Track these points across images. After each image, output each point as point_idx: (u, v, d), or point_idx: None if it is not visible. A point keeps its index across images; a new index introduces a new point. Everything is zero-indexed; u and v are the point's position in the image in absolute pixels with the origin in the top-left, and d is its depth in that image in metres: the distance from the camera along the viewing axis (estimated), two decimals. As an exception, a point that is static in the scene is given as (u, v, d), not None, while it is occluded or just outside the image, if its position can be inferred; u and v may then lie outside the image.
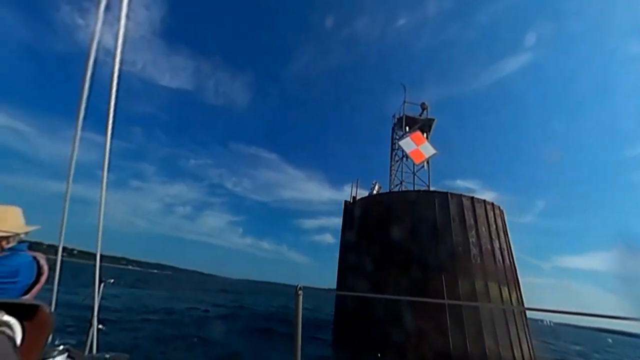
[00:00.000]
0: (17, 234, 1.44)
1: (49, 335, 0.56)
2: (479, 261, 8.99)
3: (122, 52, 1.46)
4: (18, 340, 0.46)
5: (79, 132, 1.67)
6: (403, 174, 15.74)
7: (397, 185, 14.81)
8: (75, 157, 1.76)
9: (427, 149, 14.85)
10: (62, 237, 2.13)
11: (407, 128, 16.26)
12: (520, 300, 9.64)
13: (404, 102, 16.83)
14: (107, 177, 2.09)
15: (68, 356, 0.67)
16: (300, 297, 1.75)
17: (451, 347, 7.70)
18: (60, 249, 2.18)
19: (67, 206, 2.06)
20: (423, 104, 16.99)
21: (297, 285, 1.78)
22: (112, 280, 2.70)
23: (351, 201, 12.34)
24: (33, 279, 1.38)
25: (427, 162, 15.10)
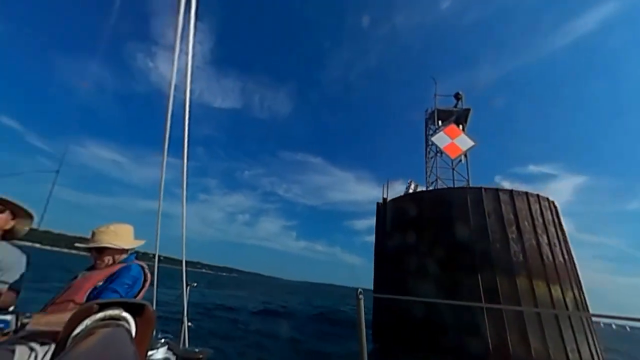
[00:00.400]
0: (131, 249, 1.72)
1: (153, 330, 0.64)
2: (520, 258, 8.35)
3: (191, 86, 1.65)
4: (133, 333, 0.52)
5: (165, 158, 2.01)
6: (439, 169, 15.12)
7: (432, 183, 14.34)
8: (163, 179, 2.09)
9: (463, 142, 14.06)
10: (158, 247, 2.47)
11: (440, 122, 15.60)
12: (581, 301, 8.60)
13: (435, 95, 16.22)
14: (186, 194, 2.34)
15: (168, 348, 0.74)
16: (362, 301, 1.82)
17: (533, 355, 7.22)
18: (157, 257, 2.59)
19: (159, 221, 2.38)
20: (457, 94, 16.12)
21: (358, 290, 1.86)
22: (195, 284, 3.00)
23: (382, 202, 12.42)
24: (142, 285, 1.62)
25: (465, 156, 14.28)
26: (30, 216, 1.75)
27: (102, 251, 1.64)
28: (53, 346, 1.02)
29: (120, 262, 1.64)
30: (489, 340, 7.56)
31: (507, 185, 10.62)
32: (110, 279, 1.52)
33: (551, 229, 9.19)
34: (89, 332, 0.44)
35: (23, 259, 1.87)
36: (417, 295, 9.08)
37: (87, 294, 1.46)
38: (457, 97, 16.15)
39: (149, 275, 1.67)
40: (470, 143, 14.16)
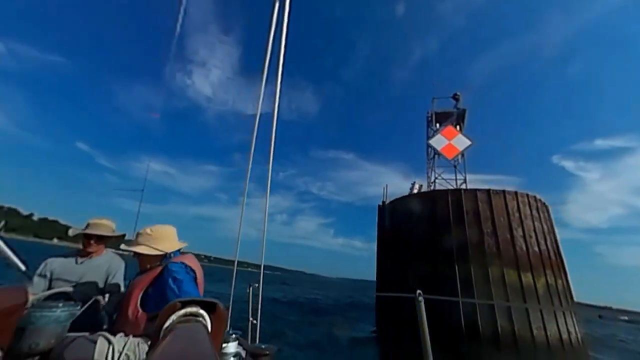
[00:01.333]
0: (174, 251, 1.76)
1: (226, 326, 0.68)
2: (494, 250, 9.52)
3: (279, 107, 1.75)
4: (209, 329, 0.56)
5: (250, 167, 2.04)
6: (446, 168, 16.04)
7: (432, 183, 15.46)
8: (247, 188, 2.25)
9: (460, 142, 14.95)
10: (237, 252, 2.59)
11: (438, 125, 16.53)
12: (558, 287, 9.45)
13: (433, 99, 17.14)
14: (245, 201, 2.44)
15: (238, 343, 0.76)
16: (422, 303, 1.75)
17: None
18: (235, 262, 2.71)
19: (241, 228, 2.52)
20: (455, 95, 16.89)
21: (417, 292, 1.79)
22: (257, 285, 3.08)
23: (382, 204, 13.96)
24: (194, 280, 1.61)
25: (463, 155, 15.13)
26: (124, 235, 2.25)
27: (139, 255, 1.66)
28: (127, 338, 1.25)
29: (161, 264, 1.64)
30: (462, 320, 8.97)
31: (568, 165, 11.31)
32: (156, 283, 1.54)
33: (528, 222, 10.10)
34: (174, 325, 0.52)
35: (122, 264, 2.25)
36: (408, 288, 10.64)
37: (138, 300, 1.51)
38: (455, 97, 16.90)
39: (196, 269, 1.64)
40: (467, 142, 14.99)
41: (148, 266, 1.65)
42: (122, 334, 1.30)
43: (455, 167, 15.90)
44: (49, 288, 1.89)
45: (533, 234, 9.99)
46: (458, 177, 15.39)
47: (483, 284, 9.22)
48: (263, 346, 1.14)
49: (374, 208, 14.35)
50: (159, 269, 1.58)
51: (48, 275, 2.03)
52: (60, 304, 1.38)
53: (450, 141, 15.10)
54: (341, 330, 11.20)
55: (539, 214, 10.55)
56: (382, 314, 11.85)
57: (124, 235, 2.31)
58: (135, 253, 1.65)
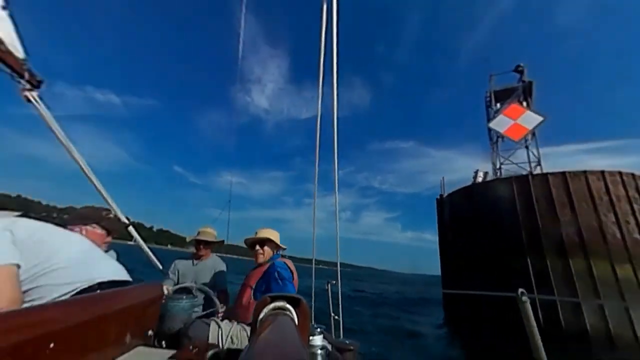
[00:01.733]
0: (281, 250, 2.11)
1: (310, 320, 0.72)
2: (576, 239, 8.29)
3: (338, 112, 1.85)
4: (296, 322, 0.59)
5: (317, 170, 2.22)
6: (513, 150, 14.37)
7: (497, 169, 14.03)
8: (316, 189, 2.43)
9: (528, 120, 13.20)
10: (314, 251, 2.84)
11: (498, 105, 14.86)
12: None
13: (491, 76, 15.43)
14: (315, 203, 2.63)
15: (324, 337, 0.72)
16: (527, 304, 1.57)
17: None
18: (313, 261, 2.99)
19: (315, 228, 2.74)
20: (518, 66, 14.88)
21: (519, 291, 1.58)
22: (334, 282, 3.10)
23: (440, 197, 13.37)
24: (292, 278, 1.86)
25: (534, 134, 13.31)
26: (223, 241, 2.64)
27: (263, 244, 2.01)
28: (232, 324, 1.56)
29: (269, 261, 1.95)
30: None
31: None
32: (265, 276, 1.84)
33: (623, 205, 8.46)
34: (267, 318, 0.58)
35: (224, 266, 2.61)
36: (472, 282, 10.19)
37: (252, 290, 1.85)
38: (519, 70, 14.84)
39: (293, 271, 1.91)
40: (538, 119, 13.14)
41: (264, 256, 1.98)
42: (227, 320, 1.61)
43: (527, 147, 14.12)
44: (177, 284, 2.27)
45: (632, 219, 8.38)
46: (532, 159, 13.63)
47: (563, 278, 8.24)
48: (347, 341, 1.13)
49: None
50: (267, 265, 1.88)
51: (176, 273, 2.55)
52: (184, 296, 1.73)
53: (516, 120, 13.42)
54: (412, 325, 11.07)
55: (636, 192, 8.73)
56: (451, 311, 11.53)
57: (223, 241, 2.72)
58: (258, 242, 2.00)
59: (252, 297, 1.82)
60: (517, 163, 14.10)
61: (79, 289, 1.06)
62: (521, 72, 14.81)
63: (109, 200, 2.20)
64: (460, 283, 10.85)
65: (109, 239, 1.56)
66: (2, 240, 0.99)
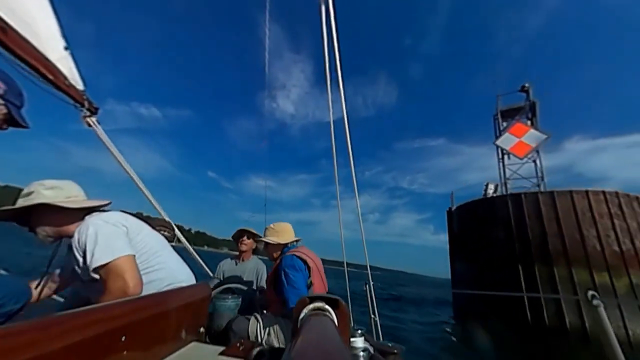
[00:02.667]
0: (293, 241, 2.09)
1: (350, 321, 0.66)
2: (561, 250, 9.86)
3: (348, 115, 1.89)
4: (336, 323, 0.57)
5: (336, 172, 2.21)
6: (522, 165, 15.56)
7: (503, 184, 15.34)
8: (338, 192, 2.40)
9: (532, 138, 14.47)
10: (344, 254, 2.91)
11: (505, 124, 16.11)
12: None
13: (498, 96, 16.68)
14: (340, 205, 2.56)
15: (365, 339, 0.74)
16: (601, 308, 1.43)
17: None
18: (345, 262, 3.08)
19: (342, 231, 2.76)
20: (523, 87, 16.04)
21: (589, 293, 1.45)
22: (372, 283, 3.22)
23: (449, 210, 15.07)
24: (307, 271, 1.84)
25: (537, 151, 14.50)
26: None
27: (266, 246, 2.09)
28: (271, 317, 1.70)
29: (282, 253, 1.97)
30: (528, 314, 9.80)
31: None
32: (276, 274, 1.87)
33: (604, 221, 9.79)
34: (307, 318, 0.57)
35: (264, 266, 2.73)
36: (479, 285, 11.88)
37: (271, 285, 1.92)
38: (524, 89, 15.94)
39: (307, 258, 1.88)
40: (542, 137, 14.32)
41: (275, 255, 2.04)
42: (267, 315, 1.77)
43: (534, 162, 15.25)
44: (222, 284, 2.35)
45: (612, 233, 9.70)
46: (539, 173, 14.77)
47: (549, 283, 9.81)
48: (390, 344, 1.02)
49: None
50: (278, 261, 1.91)
51: (221, 274, 2.69)
52: (230, 296, 1.91)
53: (521, 138, 14.70)
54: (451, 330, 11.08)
55: (621, 211, 9.99)
56: (461, 310, 13.02)
57: (264, 242, 2.82)
58: (266, 244, 2.07)
59: (273, 290, 1.91)
60: (526, 177, 15.25)
61: (165, 289, 1.19)
62: (527, 92, 15.94)
63: (157, 206, 2.40)
64: (468, 287, 12.51)
65: None
66: (120, 234, 1.17)
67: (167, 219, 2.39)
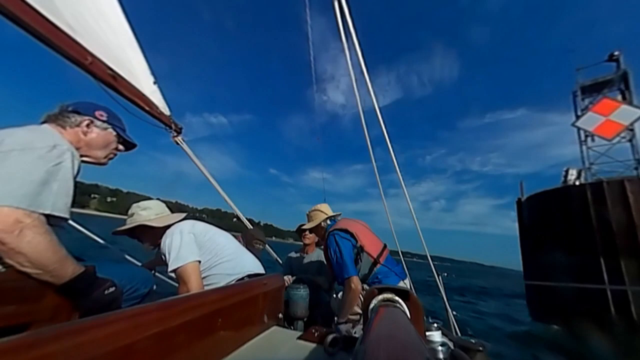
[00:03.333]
0: (331, 217, 2.26)
1: (424, 314, 0.65)
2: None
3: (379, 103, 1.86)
4: (408, 315, 0.57)
5: (374, 163, 2.28)
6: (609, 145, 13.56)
7: (587, 169, 13.55)
8: (379, 182, 2.47)
9: (624, 115, 12.33)
10: (397, 243, 3.04)
11: (586, 102, 14.02)
12: None
13: (577, 69, 14.45)
14: (399, 193, 2.53)
15: (442, 333, 0.65)
16: None
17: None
18: (399, 252, 3.11)
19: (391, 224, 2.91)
20: (612, 55, 13.56)
21: None
22: (446, 274, 3.23)
23: (519, 200, 14.07)
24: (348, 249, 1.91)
25: (631, 129, 12.36)
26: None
27: (314, 229, 2.33)
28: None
29: (326, 232, 2.10)
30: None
31: None
32: (326, 255, 2.01)
33: None
34: (378, 309, 0.57)
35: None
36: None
37: (330, 269, 2.02)
38: (613, 59, 13.44)
39: (350, 227, 2.01)
40: (637, 113, 12.19)
41: (321, 237, 2.29)
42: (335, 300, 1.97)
43: (630, 141, 13.09)
44: (291, 274, 2.61)
45: None
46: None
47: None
48: (473, 340, 0.90)
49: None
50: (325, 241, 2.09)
51: (290, 266, 2.91)
52: (301, 286, 2.05)
53: (608, 117, 12.62)
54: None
55: None
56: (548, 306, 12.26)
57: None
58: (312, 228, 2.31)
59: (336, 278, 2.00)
60: (621, 160, 13.20)
61: (237, 278, 1.36)
62: (616, 61, 13.55)
63: (231, 204, 2.74)
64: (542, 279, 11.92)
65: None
66: (189, 241, 1.39)
67: (238, 213, 2.84)
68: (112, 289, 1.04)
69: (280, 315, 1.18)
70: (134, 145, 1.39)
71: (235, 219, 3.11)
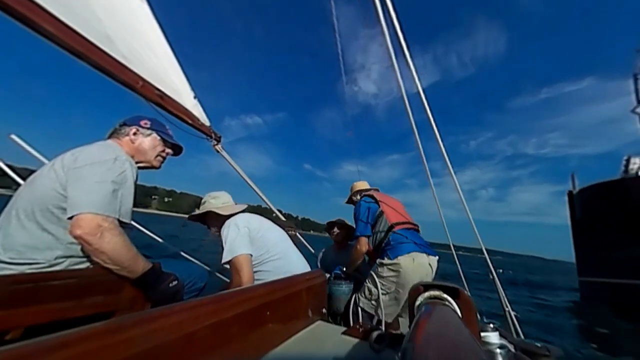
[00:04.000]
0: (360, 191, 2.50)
1: (477, 314, 0.60)
2: None
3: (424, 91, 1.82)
4: (458, 314, 0.53)
5: (422, 150, 2.21)
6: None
7: None
8: (427, 169, 2.40)
9: None
10: (448, 235, 2.90)
11: None
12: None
13: (638, 50, 13.33)
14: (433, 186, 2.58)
15: (500, 335, 0.59)
16: None
17: None
18: (451, 245, 3.06)
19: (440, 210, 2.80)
20: None
21: None
22: (501, 270, 4.53)
23: (570, 193, 13.01)
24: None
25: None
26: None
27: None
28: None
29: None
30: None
31: None
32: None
33: None
34: (426, 306, 0.54)
35: None
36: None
37: None
38: None
39: (378, 196, 2.22)
40: None
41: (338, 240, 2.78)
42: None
43: None
44: (327, 270, 2.56)
45: None
46: None
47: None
48: (538, 344, 0.77)
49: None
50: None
51: (324, 261, 2.96)
52: (343, 282, 2.09)
53: None
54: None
55: None
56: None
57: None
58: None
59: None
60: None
61: (284, 274, 1.35)
62: None
63: (267, 201, 2.93)
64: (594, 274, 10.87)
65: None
66: (243, 235, 1.46)
67: (274, 209, 3.04)
68: (175, 283, 1.16)
69: (324, 310, 1.20)
70: (180, 148, 1.51)
71: (274, 214, 3.24)
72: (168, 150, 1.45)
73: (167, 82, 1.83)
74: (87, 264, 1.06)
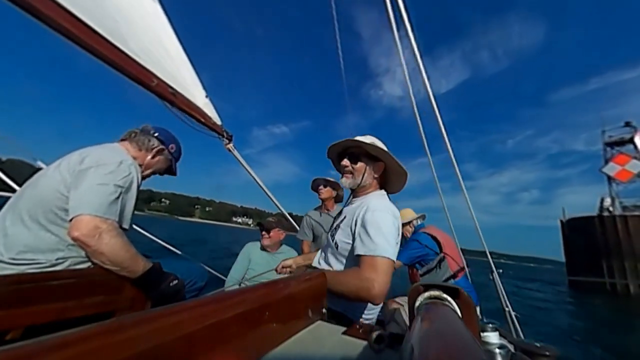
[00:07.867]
0: (414, 219, 2.48)
1: (477, 314, 0.60)
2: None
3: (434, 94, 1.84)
4: (458, 314, 0.53)
5: (452, 153, 2.26)
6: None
7: (611, 205, 19.45)
8: (436, 178, 2.63)
9: (634, 166, 18.95)
10: (454, 233, 2.85)
11: (609, 153, 20.74)
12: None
13: (603, 132, 21.13)
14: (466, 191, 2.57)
15: (500, 335, 0.60)
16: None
17: None
18: (487, 252, 2.97)
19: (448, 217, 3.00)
20: (627, 123, 20.46)
21: None
22: (501, 271, 2.96)
23: (562, 222, 21.82)
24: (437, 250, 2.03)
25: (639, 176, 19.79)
26: None
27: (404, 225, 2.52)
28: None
29: (414, 231, 2.38)
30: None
31: None
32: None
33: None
34: (425, 307, 0.54)
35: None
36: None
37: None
38: (629, 124, 20.56)
39: (438, 235, 2.17)
40: None
41: (408, 236, 2.48)
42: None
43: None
44: (312, 239, 2.72)
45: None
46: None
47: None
48: (537, 344, 0.76)
49: None
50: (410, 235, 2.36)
51: (311, 227, 2.83)
52: None
53: (624, 167, 18.91)
54: None
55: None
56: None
57: None
58: (404, 224, 2.45)
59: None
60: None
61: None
62: (633, 127, 20.64)
63: (278, 204, 3.04)
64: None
65: (284, 235, 2.62)
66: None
67: (283, 211, 3.03)
68: (175, 282, 1.18)
69: (324, 311, 1.19)
70: (174, 174, 1.56)
71: (281, 214, 3.34)
72: (164, 173, 1.50)
73: (179, 80, 1.87)
74: (88, 264, 1.07)
